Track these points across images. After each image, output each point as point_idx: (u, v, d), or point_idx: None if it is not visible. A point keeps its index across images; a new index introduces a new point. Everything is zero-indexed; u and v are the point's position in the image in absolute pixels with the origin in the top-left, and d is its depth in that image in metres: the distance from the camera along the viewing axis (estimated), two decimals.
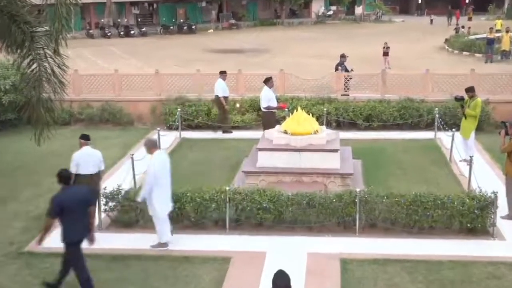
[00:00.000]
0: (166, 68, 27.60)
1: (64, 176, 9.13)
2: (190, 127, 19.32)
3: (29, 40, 11.61)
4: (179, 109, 18.89)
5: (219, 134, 18.77)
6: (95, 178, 11.52)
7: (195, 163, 15.86)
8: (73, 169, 11.10)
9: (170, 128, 18.94)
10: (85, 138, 11.63)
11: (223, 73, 18.91)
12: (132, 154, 13.87)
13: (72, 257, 9.11)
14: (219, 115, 18.92)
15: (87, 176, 11.34)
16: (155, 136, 16.74)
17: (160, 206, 10.55)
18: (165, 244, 10.77)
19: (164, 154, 10.94)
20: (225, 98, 18.65)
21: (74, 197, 8.94)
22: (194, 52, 39.13)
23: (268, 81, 16.76)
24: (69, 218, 8.90)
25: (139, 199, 10.59)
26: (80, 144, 11.57)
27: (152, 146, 10.65)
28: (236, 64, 28.93)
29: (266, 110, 16.57)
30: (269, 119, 16.56)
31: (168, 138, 17.48)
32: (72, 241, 9.01)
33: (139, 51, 40.42)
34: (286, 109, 17.81)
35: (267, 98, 16.49)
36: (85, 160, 11.35)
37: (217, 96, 18.65)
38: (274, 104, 16.76)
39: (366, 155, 16.02)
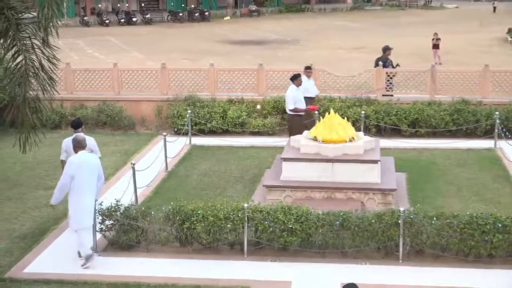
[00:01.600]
0: (174, 62, 27.73)
1: None
2: (202, 132, 19.39)
3: (14, 28, 11.74)
4: (189, 111, 18.96)
5: (237, 140, 18.79)
6: None
7: (207, 175, 15.91)
8: (62, 156, 12.43)
9: (178, 133, 19.00)
10: (73, 126, 12.55)
11: (307, 69, 18.38)
12: (133, 164, 13.94)
13: None
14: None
15: None
16: (161, 142, 16.82)
17: (75, 214, 11.01)
18: (91, 257, 11.09)
19: (89, 155, 11.38)
20: (310, 99, 18.18)
21: None
22: (207, 43, 39.31)
23: (295, 78, 16.75)
24: None
25: (51, 201, 11.09)
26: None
27: (76, 146, 11.27)
28: (257, 58, 29.01)
29: (293, 113, 16.58)
30: (295, 124, 16.56)
31: (175, 145, 17.54)
32: None
33: (143, 41, 40.69)
34: (317, 112, 17.81)
35: (294, 99, 16.50)
36: (71, 147, 11.97)
37: None
38: (302, 106, 16.76)
39: (412, 167, 15.95)
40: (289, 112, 16.70)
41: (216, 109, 19.90)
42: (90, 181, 11.11)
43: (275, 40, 40.82)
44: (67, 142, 12.34)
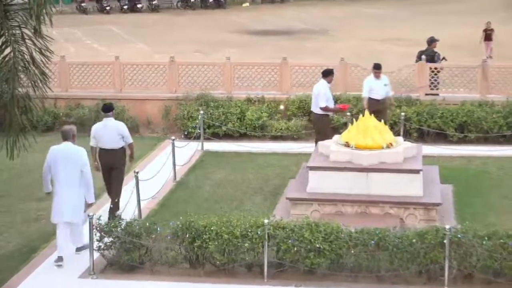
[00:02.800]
0: (184, 56, 27.79)
1: None
2: (216, 136, 19.39)
3: (2, 16, 11.78)
4: (201, 112, 18.98)
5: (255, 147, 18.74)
6: (118, 154, 13.85)
7: (222, 186, 15.90)
8: (91, 142, 13.99)
9: (188, 137, 19.02)
10: (104, 109, 14.23)
11: (376, 69, 18.12)
12: (137, 172, 13.96)
13: None
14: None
15: (107, 151, 13.81)
16: (169, 147, 16.84)
17: (53, 207, 12.20)
18: (59, 259, 11.99)
19: (71, 148, 12.31)
20: (376, 101, 17.93)
21: None
22: (223, 33, 39.37)
23: (329, 74, 16.80)
24: None
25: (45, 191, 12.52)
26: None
27: (61, 136, 12.56)
28: (280, 51, 28.98)
29: (322, 112, 16.58)
30: (324, 124, 16.58)
31: (185, 151, 17.54)
32: None
33: (149, 31, 40.82)
34: (348, 113, 17.78)
35: (326, 96, 16.49)
36: (100, 133, 13.91)
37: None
38: (331, 104, 16.75)
39: (460, 178, 15.87)
40: (316, 112, 16.69)
41: (233, 109, 19.89)
42: (67, 173, 12.11)
43: (301, 30, 40.76)
44: (96, 128, 14.07)
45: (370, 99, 17.84)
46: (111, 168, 13.87)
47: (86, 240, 11.89)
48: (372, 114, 17.71)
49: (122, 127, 14.03)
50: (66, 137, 12.39)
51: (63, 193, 12.08)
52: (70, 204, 12.03)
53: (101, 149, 13.92)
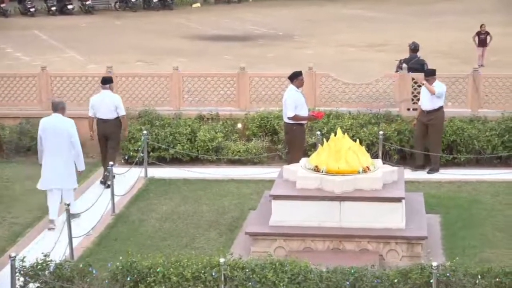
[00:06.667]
0: (124, 66, 27.76)
1: None
2: (162, 160, 19.36)
3: None
4: (144, 132, 18.95)
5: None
6: (113, 124, 17.75)
7: (169, 220, 15.87)
8: (89, 112, 17.94)
9: (129, 162, 18.96)
10: (103, 81, 18.02)
11: (430, 75, 18.59)
12: (68, 205, 13.89)
13: None
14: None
15: (104, 120, 17.72)
16: (108, 172, 16.79)
17: (42, 175, 15.25)
18: (51, 222, 15.05)
19: (59, 119, 15.25)
20: (423, 112, 18.46)
21: None
22: (170, 39, 39.41)
23: (295, 77, 16.91)
24: None
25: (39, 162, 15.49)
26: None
27: (52, 108, 15.53)
28: (237, 59, 29.06)
29: (293, 122, 16.68)
30: (297, 135, 16.70)
31: (126, 179, 17.49)
32: None
33: (82, 37, 40.71)
34: (318, 131, 17.90)
35: (295, 103, 16.60)
36: (98, 103, 17.77)
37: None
38: (304, 112, 16.83)
39: (448, 207, 15.99)
40: (287, 121, 16.78)
41: (182, 129, 19.87)
42: (55, 144, 15.16)
43: (262, 35, 40.95)
44: (94, 99, 17.99)
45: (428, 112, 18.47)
46: (106, 136, 17.74)
47: (77, 210, 14.92)
48: (421, 127, 18.51)
49: (117, 99, 17.91)
50: (55, 108, 15.37)
51: (50, 161, 15.17)
52: (57, 171, 15.14)
53: (98, 119, 17.80)
